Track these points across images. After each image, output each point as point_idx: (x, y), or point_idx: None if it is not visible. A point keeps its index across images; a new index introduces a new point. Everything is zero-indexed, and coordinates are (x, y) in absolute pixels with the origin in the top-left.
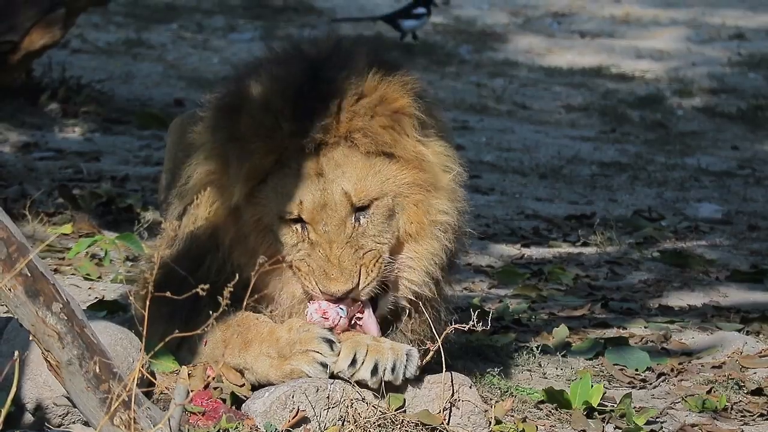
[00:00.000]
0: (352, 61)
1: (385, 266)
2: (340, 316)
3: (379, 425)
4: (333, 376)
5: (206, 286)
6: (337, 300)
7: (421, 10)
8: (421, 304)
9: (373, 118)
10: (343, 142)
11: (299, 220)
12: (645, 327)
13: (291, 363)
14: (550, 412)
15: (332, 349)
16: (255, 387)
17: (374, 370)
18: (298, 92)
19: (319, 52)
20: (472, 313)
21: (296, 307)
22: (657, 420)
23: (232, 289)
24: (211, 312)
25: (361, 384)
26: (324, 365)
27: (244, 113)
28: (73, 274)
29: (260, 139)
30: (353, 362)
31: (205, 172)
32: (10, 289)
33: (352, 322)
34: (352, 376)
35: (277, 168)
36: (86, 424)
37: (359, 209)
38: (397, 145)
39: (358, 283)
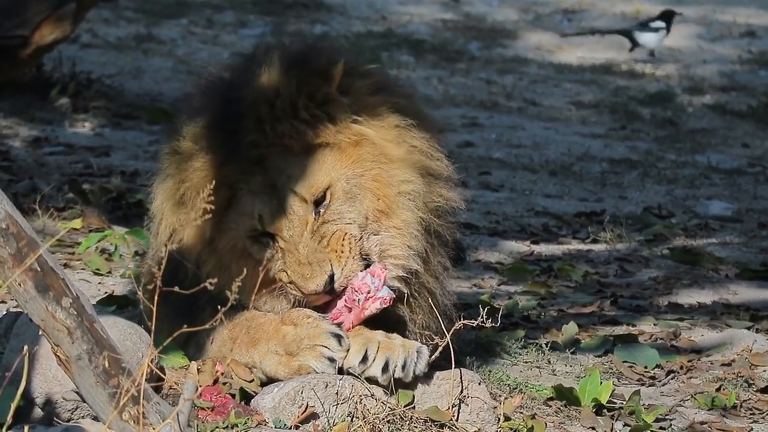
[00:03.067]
0: (262, 69)
1: (357, 241)
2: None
3: (388, 421)
4: (343, 371)
5: (214, 280)
6: (327, 293)
7: (659, 23)
8: (423, 293)
9: (295, 116)
10: (277, 148)
11: (266, 234)
12: (654, 324)
13: (299, 359)
14: (559, 409)
15: (340, 344)
16: (264, 383)
17: (385, 368)
18: (214, 123)
19: (232, 74)
20: (482, 310)
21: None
22: (666, 417)
23: (240, 284)
24: (219, 307)
25: (371, 381)
26: (332, 360)
27: (183, 159)
28: (82, 269)
29: (205, 179)
30: (364, 359)
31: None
32: (20, 284)
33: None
34: (362, 372)
35: (233, 193)
36: (95, 418)
37: (316, 203)
38: (327, 134)
39: (332, 271)
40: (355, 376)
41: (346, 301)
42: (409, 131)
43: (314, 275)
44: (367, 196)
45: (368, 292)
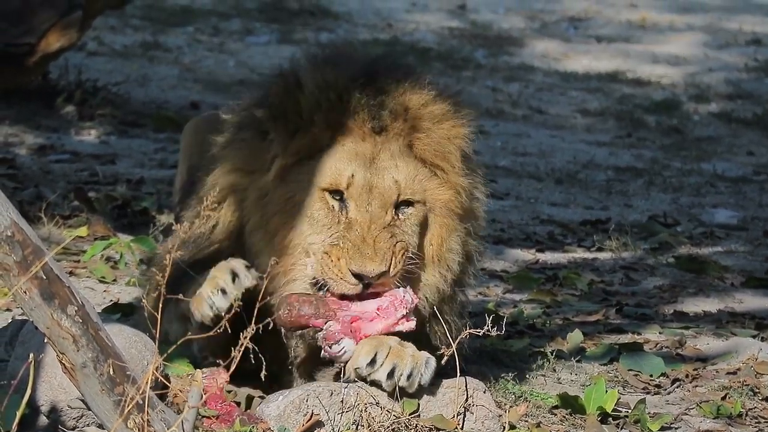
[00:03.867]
0: (416, 75)
1: (408, 262)
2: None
3: (392, 429)
4: (349, 380)
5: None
6: (364, 286)
7: None
8: (441, 326)
9: (438, 125)
10: (403, 138)
11: (341, 196)
12: (660, 333)
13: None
14: (565, 417)
15: (234, 282)
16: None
17: (390, 374)
18: (368, 75)
19: (378, 58)
20: (487, 318)
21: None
22: (671, 426)
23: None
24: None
25: (376, 384)
26: (224, 291)
27: (304, 91)
28: (88, 277)
29: (321, 113)
30: (372, 362)
31: (233, 176)
32: (25, 292)
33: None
34: (368, 375)
35: (329, 146)
36: (100, 426)
37: (403, 203)
38: (445, 165)
39: (389, 268)
40: (362, 377)
41: (379, 309)
42: (482, 202)
43: (374, 259)
44: (428, 233)
45: (406, 310)
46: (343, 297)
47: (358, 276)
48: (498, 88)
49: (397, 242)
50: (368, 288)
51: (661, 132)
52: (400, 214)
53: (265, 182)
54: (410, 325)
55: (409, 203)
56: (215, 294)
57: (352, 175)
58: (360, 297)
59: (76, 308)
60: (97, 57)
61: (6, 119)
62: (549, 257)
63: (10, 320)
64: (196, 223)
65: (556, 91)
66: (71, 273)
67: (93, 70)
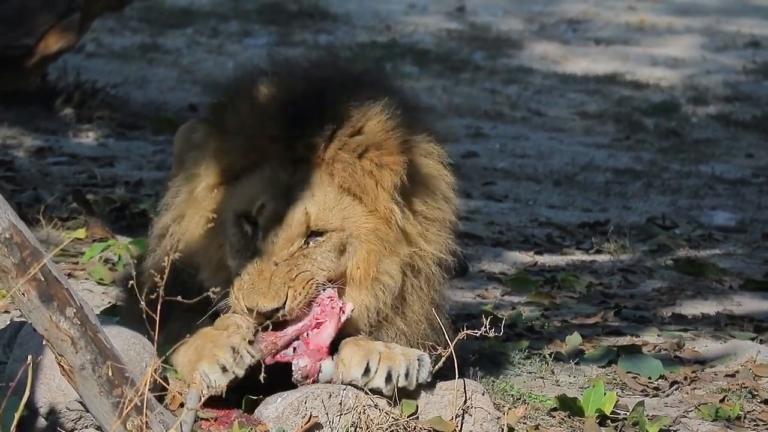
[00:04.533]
0: (365, 93)
1: (314, 289)
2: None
3: (391, 431)
4: (347, 385)
5: (217, 289)
6: (266, 318)
7: None
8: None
9: (360, 158)
10: (323, 166)
11: (254, 224)
12: (658, 335)
13: (198, 363)
14: (563, 419)
15: (233, 359)
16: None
17: (388, 378)
18: (294, 102)
19: (336, 73)
20: (485, 320)
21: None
22: (670, 428)
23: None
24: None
25: (375, 392)
26: (224, 369)
27: (231, 111)
28: (86, 279)
29: (241, 139)
30: (366, 371)
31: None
32: (23, 294)
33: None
34: (366, 384)
35: (251, 169)
36: (99, 428)
37: (313, 233)
38: (369, 193)
39: (283, 303)
40: (359, 388)
41: (315, 316)
42: (429, 238)
43: (266, 295)
44: (352, 258)
45: (338, 298)
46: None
47: (253, 312)
48: (496, 90)
49: (298, 274)
50: (269, 318)
51: (659, 134)
52: (310, 243)
53: (200, 192)
54: (350, 306)
55: (319, 233)
56: (213, 369)
57: (263, 205)
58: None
59: (74, 310)
60: (96, 59)
61: (4, 121)
62: (547, 259)
63: (8, 322)
64: (172, 226)
65: (555, 93)
66: (70, 275)
67: (91, 71)
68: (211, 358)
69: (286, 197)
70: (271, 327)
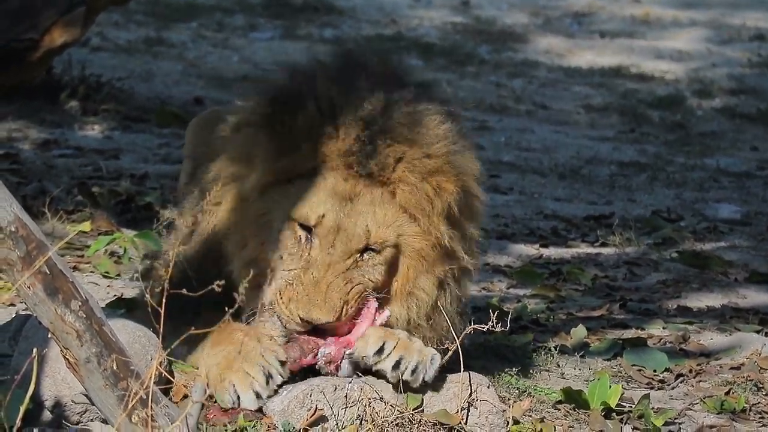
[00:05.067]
0: (426, 107)
1: (363, 299)
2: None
3: (396, 424)
4: (356, 361)
5: (221, 282)
6: (313, 329)
7: None
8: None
9: (424, 181)
10: (386, 185)
11: (309, 231)
12: (663, 328)
13: (229, 376)
14: (568, 412)
15: (267, 384)
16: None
17: (396, 365)
18: (371, 118)
19: (395, 79)
20: (491, 313)
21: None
22: (675, 421)
23: (247, 285)
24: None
25: (380, 375)
26: (258, 395)
27: (308, 110)
28: (91, 272)
29: (312, 141)
30: (380, 351)
31: (234, 168)
32: (29, 287)
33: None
34: (375, 363)
35: (309, 175)
36: (104, 421)
37: (367, 248)
38: (425, 217)
39: (338, 317)
40: (368, 366)
41: (352, 320)
42: (463, 254)
43: (323, 309)
44: (394, 272)
45: (376, 303)
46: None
47: (305, 321)
48: (502, 83)
49: (353, 287)
50: (315, 329)
51: (664, 127)
52: (365, 256)
53: (249, 187)
54: (386, 313)
55: (376, 250)
56: (247, 392)
57: (323, 215)
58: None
59: (79, 303)
60: (101, 52)
61: (10, 114)
62: (553, 252)
63: (13, 315)
64: (199, 217)
65: (560, 86)
66: (75, 268)
67: (97, 65)
68: (243, 377)
69: (347, 210)
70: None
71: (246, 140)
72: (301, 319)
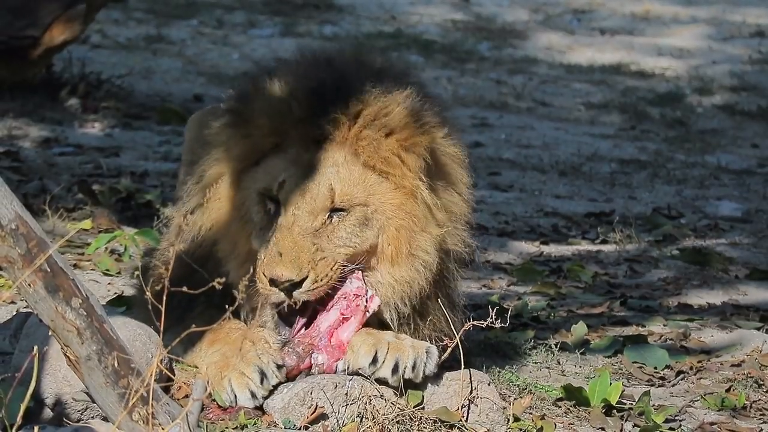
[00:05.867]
0: (392, 79)
1: (338, 271)
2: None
3: (397, 422)
4: (353, 373)
5: (222, 280)
6: (281, 290)
7: None
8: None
9: (387, 137)
10: (348, 146)
11: (275, 200)
12: (664, 325)
13: (226, 378)
14: (569, 409)
15: (262, 383)
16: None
17: (395, 369)
18: (319, 84)
19: (360, 63)
20: (491, 310)
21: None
22: (676, 418)
23: (247, 282)
24: (227, 305)
25: (382, 382)
26: (253, 394)
27: (257, 98)
28: (92, 270)
29: (265, 120)
30: (374, 360)
31: (217, 169)
32: (29, 285)
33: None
34: (373, 374)
35: (273, 152)
36: (105, 419)
37: (336, 209)
38: (396, 171)
39: (303, 280)
40: (366, 377)
41: (341, 312)
42: (452, 217)
43: (288, 266)
44: (381, 236)
45: (363, 292)
46: (291, 314)
47: (272, 281)
48: (502, 80)
49: (321, 258)
50: (291, 297)
51: (665, 124)
52: (334, 218)
53: (228, 183)
54: (377, 301)
55: (343, 209)
56: (242, 391)
57: (284, 180)
58: (305, 313)
59: (80, 301)
60: (101, 50)
61: (10, 112)
62: (553, 249)
63: (14, 313)
64: (189, 216)
65: (560, 83)
66: (75, 265)
67: (97, 62)
68: (239, 376)
69: (309, 174)
70: (297, 313)
71: (220, 138)
72: (269, 279)
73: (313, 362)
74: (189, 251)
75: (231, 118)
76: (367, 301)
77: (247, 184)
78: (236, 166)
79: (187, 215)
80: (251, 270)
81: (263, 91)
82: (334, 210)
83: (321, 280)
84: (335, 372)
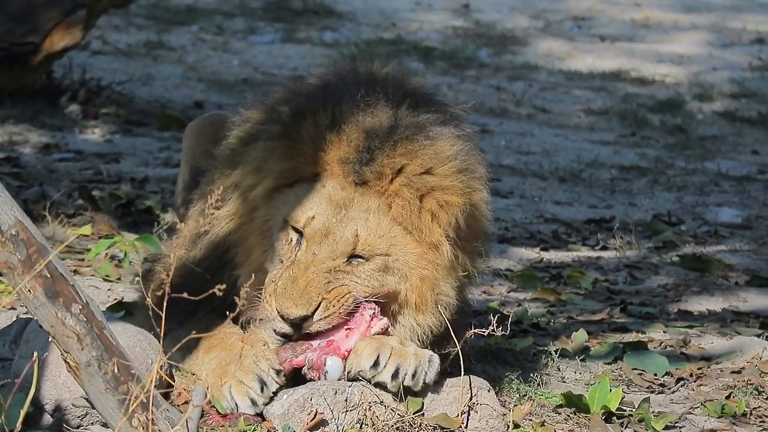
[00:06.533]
0: (434, 124)
1: (350, 302)
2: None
3: (397, 428)
4: (353, 378)
5: (223, 286)
6: (291, 326)
7: None
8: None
9: (422, 199)
10: (385, 198)
11: (300, 234)
12: (664, 331)
13: (226, 385)
14: (569, 416)
15: (262, 391)
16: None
17: (395, 374)
18: (371, 128)
19: (412, 97)
20: (491, 317)
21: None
22: (676, 425)
23: (249, 289)
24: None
25: (381, 386)
26: (253, 402)
27: (307, 122)
28: (92, 276)
29: (311, 149)
30: (376, 364)
31: (248, 179)
32: (29, 290)
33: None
34: (373, 377)
35: (309, 181)
36: (105, 425)
37: (356, 255)
38: (423, 231)
39: (313, 313)
40: (366, 380)
41: (348, 328)
42: (477, 257)
43: (297, 302)
44: (404, 285)
45: (373, 311)
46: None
47: (282, 317)
48: (502, 87)
49: (334, 288)
50: (298, 330)
51: (665, 131)
52: (353, 261)
53: (258, 195)
54: (382, 323)
55: (363, 257)
56: (243, 399)
57: (313, 217)
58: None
59: (80, 307)
60: (102, 56)
61: (10, 118)
62: (553, 256)
63: (14, 319)
64: (202, 221)
65: (560, 90)
66: (75, 271)
67: (97, 69)
68: (238, 384)
69: (340, 216)
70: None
71: (260, 152)
72: (279, 314)
73: (306, 363)
74: (202, 259)
75: (279, 131)
76: (371, 317)
77: (276, 203)
78: (271, 183)
79: (204, 222)
80: (258, 280)
81: (315, 117)
82: (353, 256)
83: (329, 310)
84: (324, 367)
